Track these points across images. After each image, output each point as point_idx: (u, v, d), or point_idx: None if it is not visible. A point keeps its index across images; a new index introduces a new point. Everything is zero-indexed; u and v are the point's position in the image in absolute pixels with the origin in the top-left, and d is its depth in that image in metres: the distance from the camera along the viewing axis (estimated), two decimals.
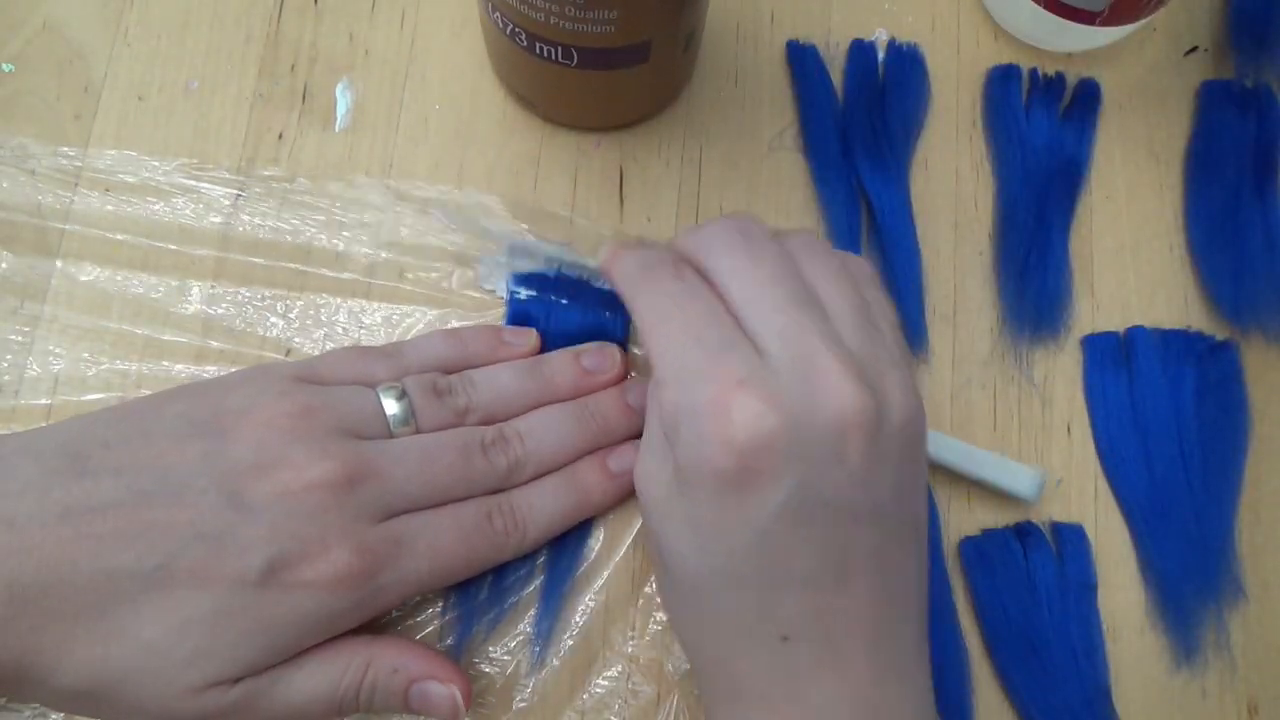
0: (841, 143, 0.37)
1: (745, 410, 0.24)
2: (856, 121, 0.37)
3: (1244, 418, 0.35)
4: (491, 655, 0.32)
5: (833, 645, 0.25)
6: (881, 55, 0.39)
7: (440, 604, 0.32)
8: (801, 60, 0.38)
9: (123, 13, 0.37)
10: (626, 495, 0.33)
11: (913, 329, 0.35)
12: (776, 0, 0.39)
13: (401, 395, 0.30)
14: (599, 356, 0.33)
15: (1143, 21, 0.37)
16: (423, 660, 0.29)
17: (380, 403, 0.30)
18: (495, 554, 0.30)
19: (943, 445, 0.33)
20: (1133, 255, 0.37)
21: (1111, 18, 0.36)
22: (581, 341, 0.34)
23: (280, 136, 0.36)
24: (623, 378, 0.34)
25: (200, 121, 0.36)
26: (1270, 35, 0.39)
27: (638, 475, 0.28)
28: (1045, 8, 0.37)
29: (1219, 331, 0.36)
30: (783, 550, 0.25)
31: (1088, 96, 0.39)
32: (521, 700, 0.31)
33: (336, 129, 0.37)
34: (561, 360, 0.33)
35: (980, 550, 0.33)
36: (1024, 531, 0.34)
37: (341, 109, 0.37)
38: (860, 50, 0.38)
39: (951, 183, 0.38)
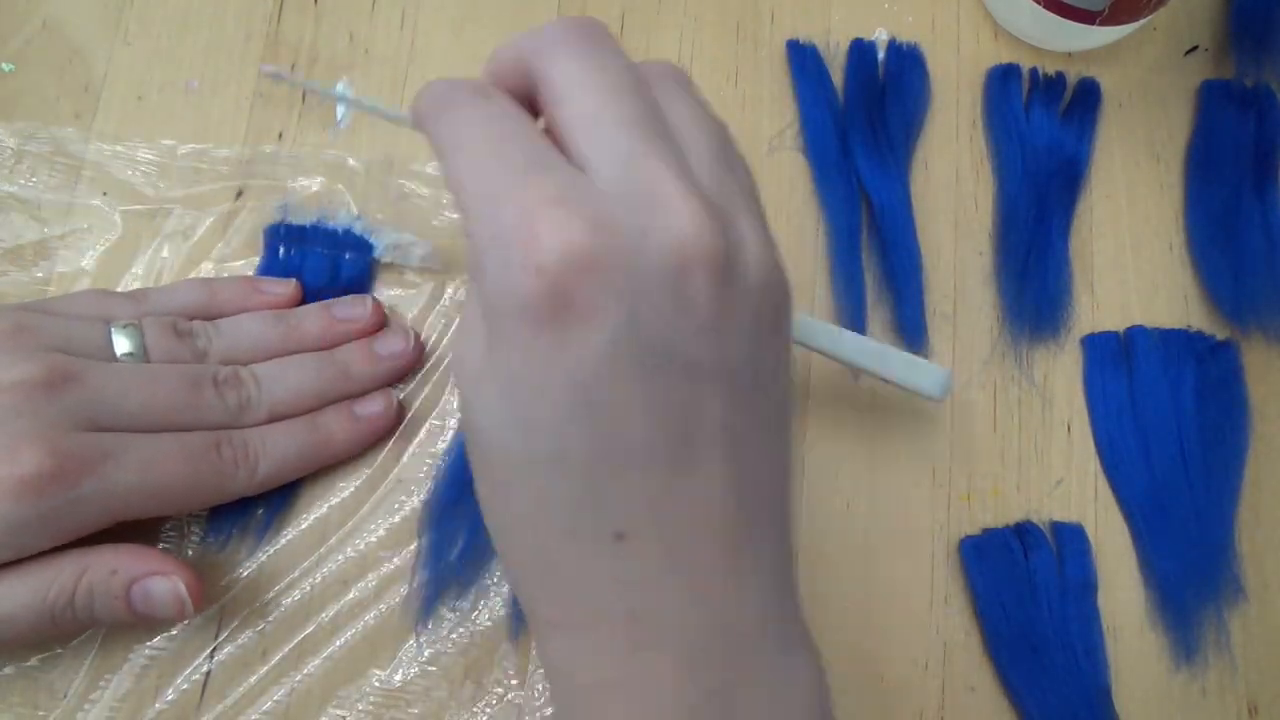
0: (841, 143, 0.37)
1: (556, 226, 0.19)
2: (856, 121, 0.37)
3: (1244, 418, 0.35)
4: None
5: (678, 545, 0.21)
6: (881, 55, 0.39)
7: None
8: (801, 60, 0.38)
9: (122, 12, 0.37)
10: (373, 440, 0.32)
11: (913, 329, 0.35)
12: (776, 0, 0.39)
13: (136, 333, 0.29)
14: (350, 306, 0.33)
15: (1143, 21, 0.37)
16: (142, 558, 0.28)
17: (110, 336, 0.29)
18: (221, 483, 0.29)
19: (843, 340, 0.31)
20: (1133, 255, 0.37)
21: (1111, 17, 0.36)
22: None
23: (280, 136, 0.36)
24: (376, 328, 0.33)
25: (200, 121, 0.36)
26: (1270, 35, 0.39)
27: (453, 360, 0.24)
28: (1045, 7, 0.37)
29: (1219, 331, 0.36)
30: (613, 413, 0.20)
31: (1088, 96, 0.39)
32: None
33: (337, 129, 0.37)
34: (311, 309, 0.33)
35: (980, 550, 0.33)
36: (1024, 531, 0.34)
37: (341, 109, 0.37)
38: (860, 50, 0.38)
39: (951, 183, 0.38)
